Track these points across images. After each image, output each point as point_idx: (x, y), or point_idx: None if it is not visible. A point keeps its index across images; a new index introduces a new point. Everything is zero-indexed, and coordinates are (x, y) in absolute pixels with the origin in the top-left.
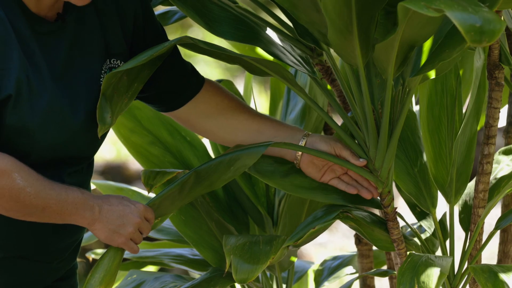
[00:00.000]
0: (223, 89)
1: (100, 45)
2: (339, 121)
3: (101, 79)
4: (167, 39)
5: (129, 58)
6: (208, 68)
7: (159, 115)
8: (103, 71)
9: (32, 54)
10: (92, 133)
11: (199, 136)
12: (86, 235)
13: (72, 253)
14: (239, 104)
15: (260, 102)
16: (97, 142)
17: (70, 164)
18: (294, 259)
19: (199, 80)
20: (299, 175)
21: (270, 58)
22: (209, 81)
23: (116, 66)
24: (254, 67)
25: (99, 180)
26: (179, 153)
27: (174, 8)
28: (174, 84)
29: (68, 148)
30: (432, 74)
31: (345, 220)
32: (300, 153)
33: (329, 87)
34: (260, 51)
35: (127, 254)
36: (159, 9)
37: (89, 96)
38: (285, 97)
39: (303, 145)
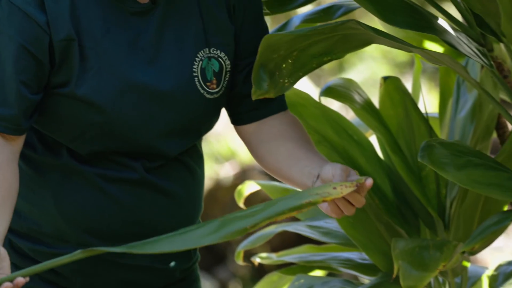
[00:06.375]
0: (294, 120)
1: (196, 32)
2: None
3: (194, 66)
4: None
5: (234, 52)
6: (376, 64)
7: (324, 113)
8: (198, 59)
9: (107, 31)
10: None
11: (366, 135)
12: (252, 237)
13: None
14: (292, 134)
15: (430, 99)
16: (179, 139)
17: (149, 158)
18: (467, 264)
19: (279, 105)
20: (477, 170)
21: (440, 50)
22: (287, 112)
23: (216, 56)
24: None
25: (264, 180)
26: (345, 152)
27: (338, 2)
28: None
29: (146, 135)
30: None
31: None
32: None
33: None
34: (427, 45)
35: (294, 258)
36: (323, 4)
37: (177, 81)
38: (455, 94)
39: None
